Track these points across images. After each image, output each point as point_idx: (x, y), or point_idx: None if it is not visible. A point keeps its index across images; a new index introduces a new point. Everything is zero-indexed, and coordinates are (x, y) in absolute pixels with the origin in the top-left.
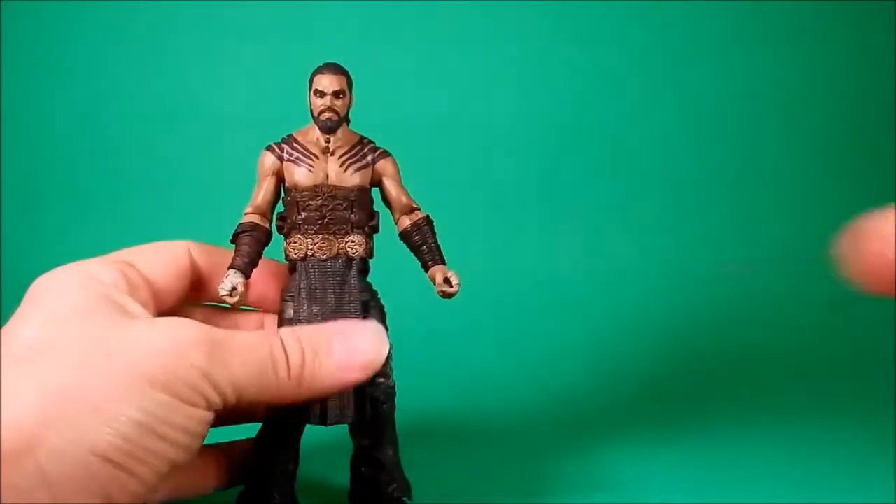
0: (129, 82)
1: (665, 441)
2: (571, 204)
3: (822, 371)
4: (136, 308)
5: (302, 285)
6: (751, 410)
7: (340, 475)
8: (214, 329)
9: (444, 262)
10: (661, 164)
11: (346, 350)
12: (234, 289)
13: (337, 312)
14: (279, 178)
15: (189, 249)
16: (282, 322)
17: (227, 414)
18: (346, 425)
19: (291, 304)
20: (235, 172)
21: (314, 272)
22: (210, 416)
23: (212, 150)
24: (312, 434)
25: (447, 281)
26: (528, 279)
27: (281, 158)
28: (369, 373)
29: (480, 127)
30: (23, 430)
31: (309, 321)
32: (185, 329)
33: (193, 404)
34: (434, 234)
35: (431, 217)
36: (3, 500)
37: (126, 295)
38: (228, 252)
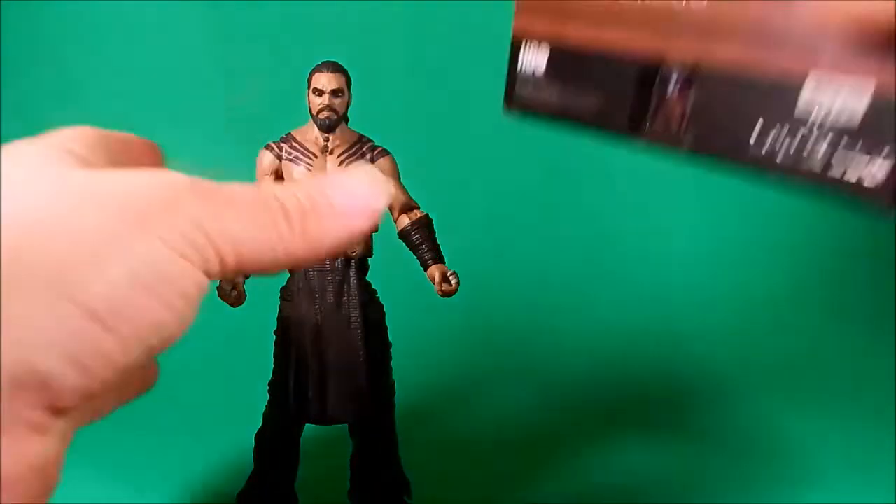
0: (127, 82)
1: (665, 441)
2: (572, 204)
3: (822, 372)
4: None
5: (300, 285)
6: (750, 411)
7: (340, 474)
8: (198, 178)
9: (443, 261)
10: (662, 165)
11: (344, 195)
12: (233, 288)
13: (337, 312)
14: (278, 176)
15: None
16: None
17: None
18: (346, 425)
19: (290, 303)
20: (234, 170)
21: (313, 272)
22: (205, 280)
23: (210, 149)
24: (312, 434)
25: (446, 279)
26: (528, 279)
27: (279, 157)
28: (374, 218)
29: (481, 126)
30: None
31: (308, 320)
32: (172, 174)
33: (189, 260)
34: (433, 232)
35: (431, 216)
36: None
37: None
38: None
